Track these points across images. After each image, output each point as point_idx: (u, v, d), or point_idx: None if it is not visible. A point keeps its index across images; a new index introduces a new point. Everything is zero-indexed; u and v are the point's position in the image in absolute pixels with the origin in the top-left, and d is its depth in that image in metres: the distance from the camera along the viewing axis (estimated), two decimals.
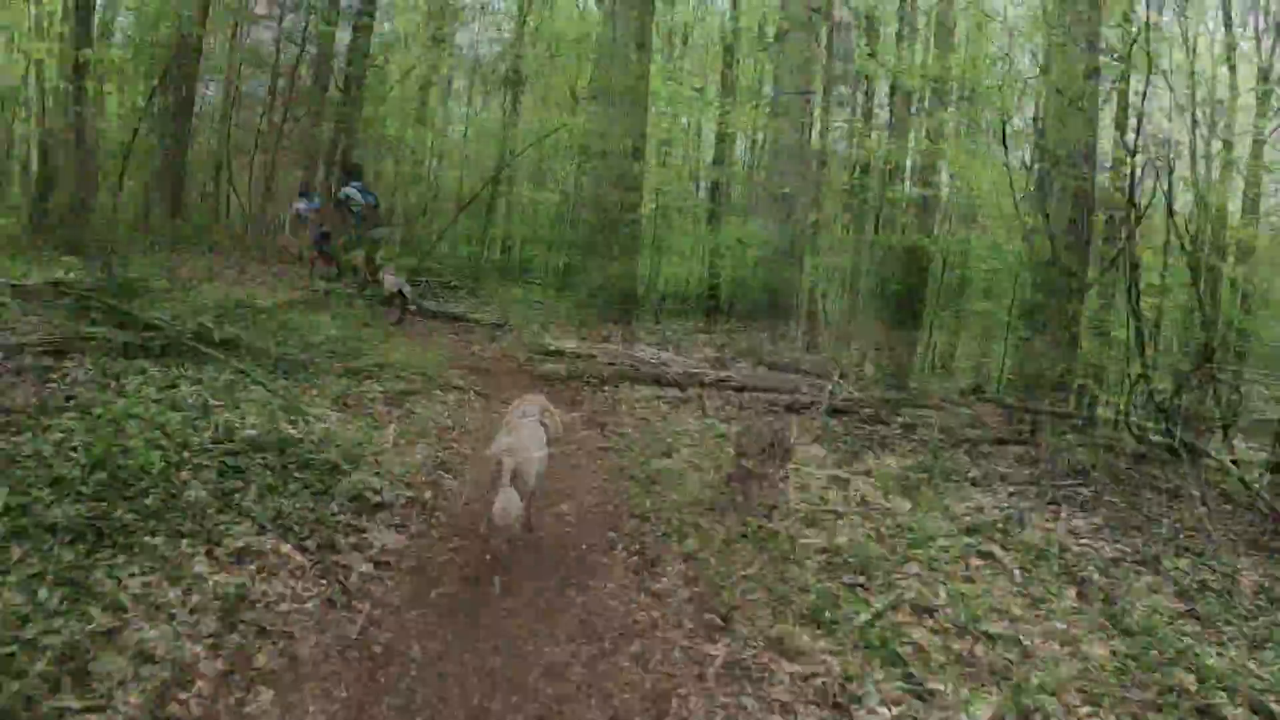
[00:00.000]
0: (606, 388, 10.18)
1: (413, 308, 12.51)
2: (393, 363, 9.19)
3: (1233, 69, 23.18)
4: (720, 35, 27.23)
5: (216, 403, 6.74)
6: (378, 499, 5.65)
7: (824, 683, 4.08)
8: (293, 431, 6.42)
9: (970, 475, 11.60)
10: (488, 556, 4.84)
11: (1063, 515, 10.42)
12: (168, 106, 20.57)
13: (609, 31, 13.22)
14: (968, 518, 8.42)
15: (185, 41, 20.25)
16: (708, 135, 35.07)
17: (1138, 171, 13.88)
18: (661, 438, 8.30)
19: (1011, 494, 10.83)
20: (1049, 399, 12.82)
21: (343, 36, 23.26)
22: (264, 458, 5.77)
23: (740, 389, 13.33)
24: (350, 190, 12.20)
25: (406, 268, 13.37)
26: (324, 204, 14.85)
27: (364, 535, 5.16)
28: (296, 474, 5.67)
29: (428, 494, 6.06)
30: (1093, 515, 10.82)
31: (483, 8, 31.11)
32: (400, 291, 12.29)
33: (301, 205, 15.89)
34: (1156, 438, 17.18)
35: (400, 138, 29.09)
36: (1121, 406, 15.96)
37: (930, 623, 4.91)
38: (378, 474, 6.01)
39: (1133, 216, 13.88)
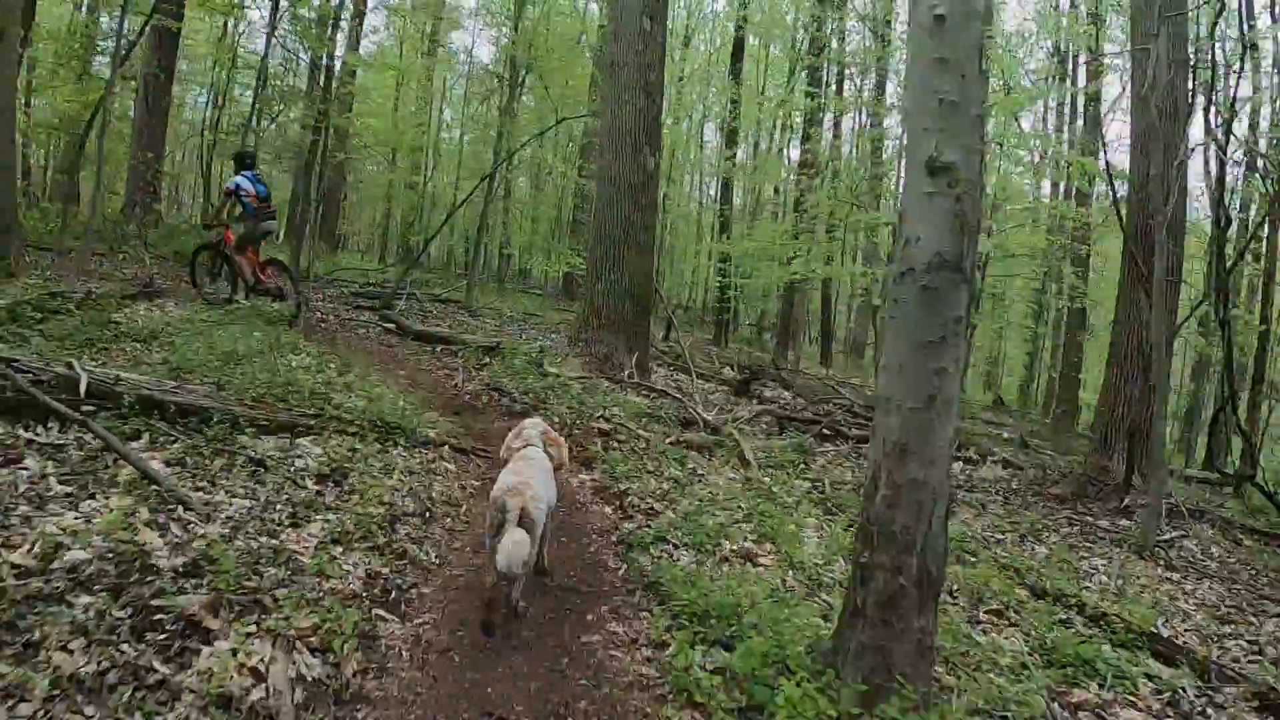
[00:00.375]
0: (622, 434, 7.61)
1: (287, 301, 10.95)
2: (347, 407, 6.66)
3: (1256, 68, 21.10)
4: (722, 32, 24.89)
5: (61, 488, 4.33)
6: (257, 695, 3.12)
7: None
8: (155, 544, 3.92)
9: (1063, 532, 9.18)
10: None
11: (1188, 587, 8.05)
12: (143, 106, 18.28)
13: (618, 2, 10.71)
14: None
15: (160, 37, 17.95)
16: (710, 142, 33.04)
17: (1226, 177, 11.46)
18: (701, 515, 5.76)
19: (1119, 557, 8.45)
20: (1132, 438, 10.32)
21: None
22: (87, 606, 3.28)
23: (786, 420, 10.84)
24: (240, 180, 10.61)
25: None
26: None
27: None
28: (126, 645, 3.17)
29: (352, 664, 3.52)
30: (1216, 581, 8.46)
31: (478, 11, 28.91)
32: (281, 287, 11.05)
33: None
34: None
35: (394, 143, 26.90)
36: (1203, 438, 13.65)
37: None
38: (271, 630, 3.45)
39: (1223, 225, 11.38)
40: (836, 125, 25.06)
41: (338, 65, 23.82)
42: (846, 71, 25.00)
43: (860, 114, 26.50)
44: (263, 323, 9.49)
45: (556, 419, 7.81)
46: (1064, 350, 22.15)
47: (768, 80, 29.60)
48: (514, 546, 3.62)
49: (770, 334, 28.24)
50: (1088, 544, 8.84)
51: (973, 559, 6.82)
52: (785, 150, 30.42)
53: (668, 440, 7.87)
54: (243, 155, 11.18)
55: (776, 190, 31.71)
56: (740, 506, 6.34)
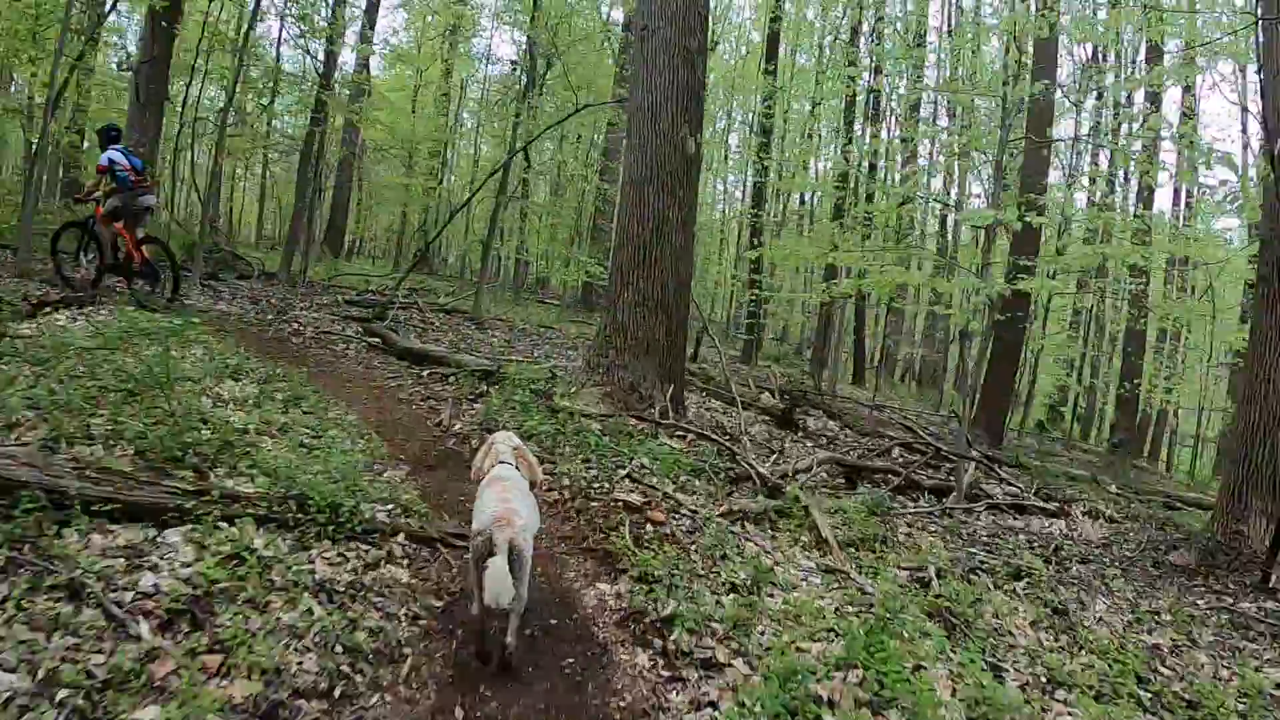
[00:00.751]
0: (654, 505, 5.30)
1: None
2: (265, 465, 4.44)
3: None
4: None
5: None
6: None
7: None
8: None
9: (1211, 624, 6.91)
10: None
11: None
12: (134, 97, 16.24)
13: None
14: None
15: (154, 23, 15.91)
16: (735, 152, 30.83)
17: None
18: (788, 666, 3.50)
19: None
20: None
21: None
22: None
23: (852, 472, 8.51)
24: (113, 154, 9.52)
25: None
26: None
27: None
28: None
29: None
30: None
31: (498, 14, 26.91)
32: (157, 269, 9.88)
33: None
34: None
35: (409, 146, 24.92)
36: None
37: None
38: None
39: None
40: (875, 118, 22.81)
41: (349, 56, 21.93)
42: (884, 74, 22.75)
43: (892, 119, 24.49)
44: (210, 337, 7.36)
45: (568, 481, 5.54)
46: (1121, 372, 19.56)
47: (795, 89, 27.51)
48: (502, 576, 3.13)
49: (804, 350, 26.05)
50: (1244, 640, 6.55)
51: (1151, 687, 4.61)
52: (814, 160, 28.27)
53: (718, 510, 5.58)
54: (108, 129, 10.11)
55: (803, 200, 29.63)
56: (834, 631, 4.08)
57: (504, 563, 3.17)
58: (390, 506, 4.48)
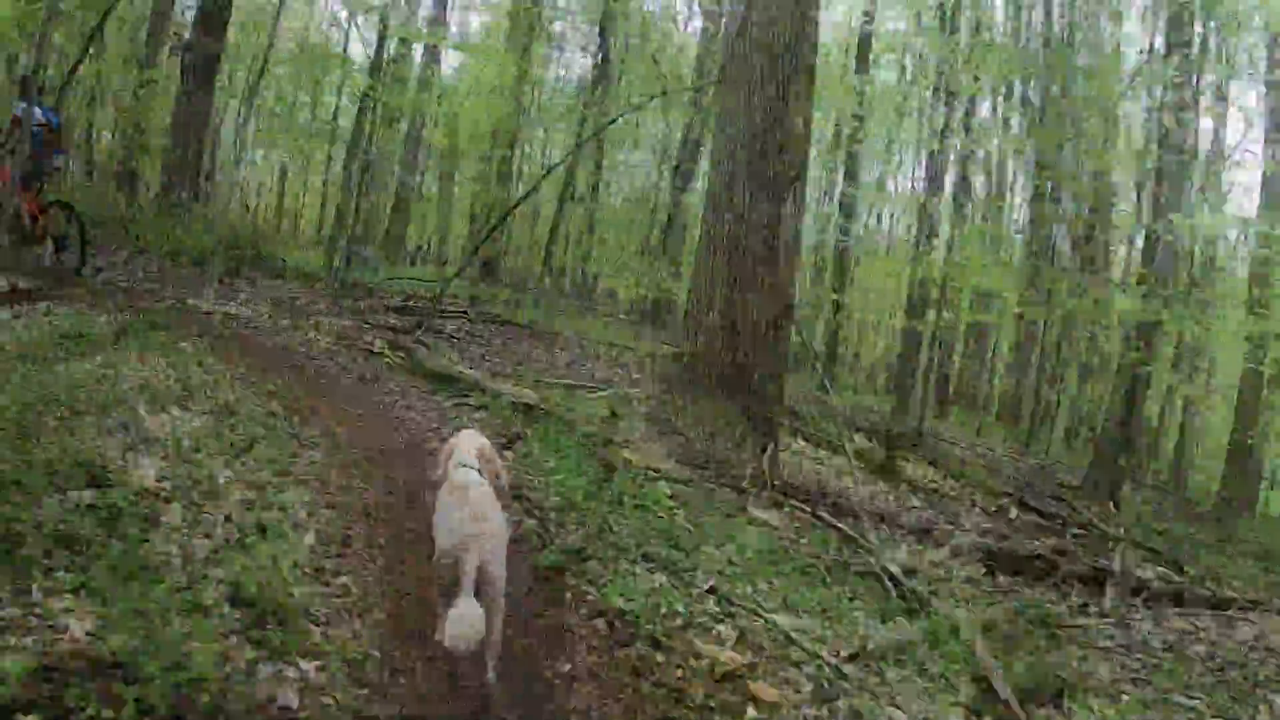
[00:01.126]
0: (759, 666, 3.26)
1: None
2: (119, 575, 2.62)
3: None
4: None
5: None
6: None
7: None
8: None
9: None
10: None
11: None
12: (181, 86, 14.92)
13: None
14: None
15: (206, 9, 14.77)
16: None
17: None
18: None
19: None
20: None
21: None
22: None
23: (992, 557, 6.33)
24: (27, 107, 8.27)
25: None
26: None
27: None
28: None
29: None
30: None
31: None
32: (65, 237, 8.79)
33: None
34: None
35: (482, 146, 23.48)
36: None
37: None
38: None
39: None
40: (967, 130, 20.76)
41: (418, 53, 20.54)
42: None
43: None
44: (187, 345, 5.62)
45: (622, 604, 3.48)
46: (1235, 417, 16.73)
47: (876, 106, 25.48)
48: (465, 622, 2.55)
49: (875, 378, 23.96)
50: None
51: None
52: (895, 177, 26.32)
53: (845, 651, 3.54)
54: (27, 80, 8.84)
55: (879, 220, 27.60)
56: None
57: (471, 605, 2.62)
58: (317, 663, 2.57)
